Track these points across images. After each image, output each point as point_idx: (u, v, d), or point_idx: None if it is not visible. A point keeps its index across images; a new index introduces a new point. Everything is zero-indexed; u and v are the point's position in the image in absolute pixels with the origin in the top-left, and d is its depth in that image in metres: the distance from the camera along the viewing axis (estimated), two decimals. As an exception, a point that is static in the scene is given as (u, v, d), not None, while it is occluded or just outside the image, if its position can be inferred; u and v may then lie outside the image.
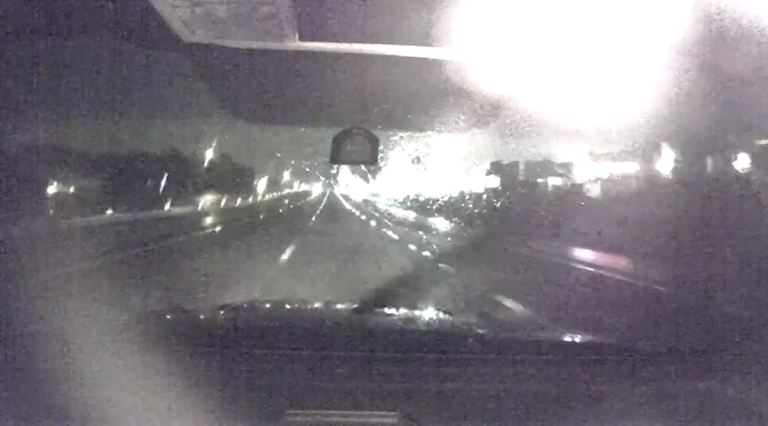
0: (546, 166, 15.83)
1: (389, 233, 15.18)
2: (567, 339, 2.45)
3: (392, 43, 2.27)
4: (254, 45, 2.35)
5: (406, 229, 16.04)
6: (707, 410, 1.74)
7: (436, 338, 2.25)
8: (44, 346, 1.74)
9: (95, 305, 3.38)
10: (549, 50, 2.33)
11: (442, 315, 2.52)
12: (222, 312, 2.44)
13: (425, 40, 2.23)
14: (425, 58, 2.39)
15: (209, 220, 18.04)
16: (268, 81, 2.81)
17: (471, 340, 2.11)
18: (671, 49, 2.20)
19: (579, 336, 2.47)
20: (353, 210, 25.26)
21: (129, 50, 2.80)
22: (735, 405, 1.78)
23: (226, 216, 19.70)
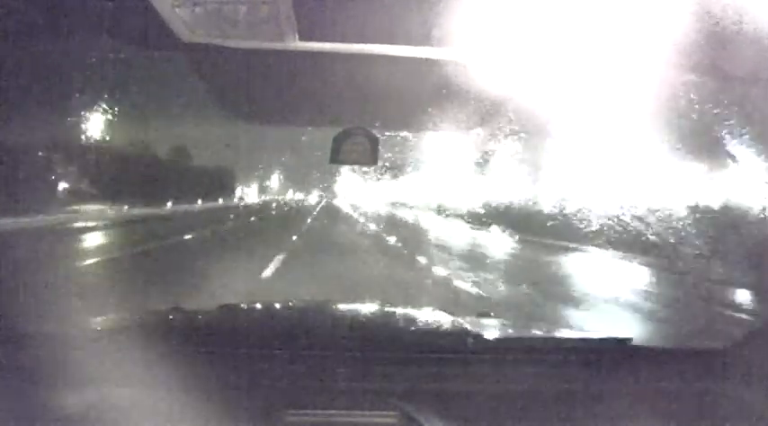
0: None
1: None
2: (567, 339, 2.45)
3: (392, 43, 2.27)
4: (254, 45, 2.35)
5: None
6: (707, 410, 1.74)
7: (436, 338, 2.25)
8: (44, 346, 1.74)
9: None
10: (550, 50, 2.33)
11: (442, 314, 2.51)
12: (222, 312, 2.44)
13: (425, 40, 2.23)
14: (425, 58, 2.39)
15: (144, 232, 15.12)
16: (268, 81, 2.80)
17: (471, 340, 2.11)
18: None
19: (579, 336, 2.47)
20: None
21: (128, 50, 2.80)
22: (735, 405, 1.78)
23: (180, 225, 17.02)
